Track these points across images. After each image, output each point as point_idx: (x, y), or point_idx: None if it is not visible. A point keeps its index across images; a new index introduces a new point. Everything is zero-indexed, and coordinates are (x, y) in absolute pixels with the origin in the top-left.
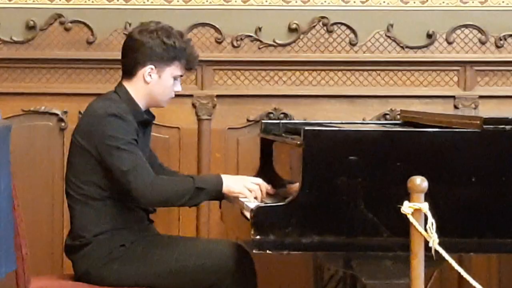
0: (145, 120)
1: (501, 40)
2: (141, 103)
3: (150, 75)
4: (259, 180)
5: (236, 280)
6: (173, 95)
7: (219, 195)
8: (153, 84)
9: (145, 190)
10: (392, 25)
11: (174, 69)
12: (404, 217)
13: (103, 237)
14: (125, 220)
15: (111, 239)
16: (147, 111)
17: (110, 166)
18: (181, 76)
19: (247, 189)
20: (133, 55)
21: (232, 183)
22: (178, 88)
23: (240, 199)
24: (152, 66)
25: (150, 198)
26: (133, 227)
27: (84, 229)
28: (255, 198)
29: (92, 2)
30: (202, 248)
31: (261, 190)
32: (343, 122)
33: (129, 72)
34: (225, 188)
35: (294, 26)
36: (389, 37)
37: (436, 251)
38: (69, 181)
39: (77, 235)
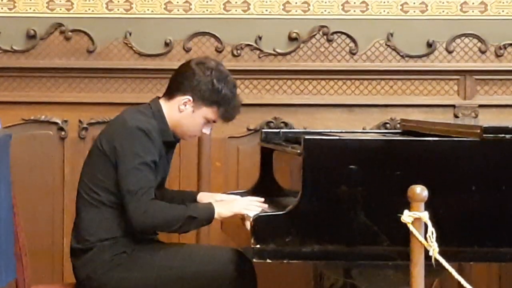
0: (171, 141)
1: (501, 49)
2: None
3: (185, 105)
4: (248, 199)
5: (237, 287)
6: (199, 135)
7: (210, 223)
8: (184, 116)
9: (138, 217)
10: (392, 34)
11: (209, 112)
12: (404, 226)
13: (106, 243)
14: (130, 228)
15: (114, 246)
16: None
17: (119, 178)
18: (214, 121)
19: (241, 209)
20: (180, 80)
21: (223, 209)
22: (207, 131)
23: None
24: (190, 98)
25: (141, 224)
26: (137, 235)
27: (90, 232)
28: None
29: (92, 11)
30: (203, 255)
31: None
32: (343, 131)
33: (170, 93)
34: (217, 215)
35: (294, 35)
36: (389, 46)
37: (436, 260)
38: (83, 183)
39: (82, 239)
